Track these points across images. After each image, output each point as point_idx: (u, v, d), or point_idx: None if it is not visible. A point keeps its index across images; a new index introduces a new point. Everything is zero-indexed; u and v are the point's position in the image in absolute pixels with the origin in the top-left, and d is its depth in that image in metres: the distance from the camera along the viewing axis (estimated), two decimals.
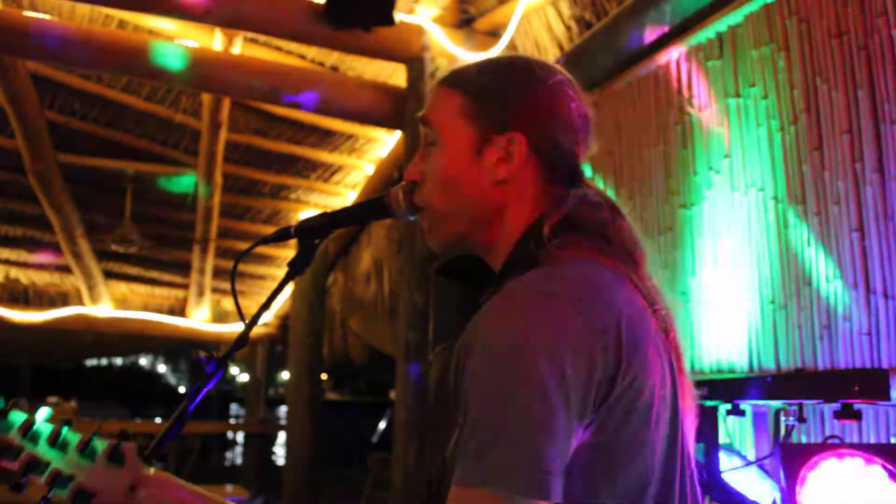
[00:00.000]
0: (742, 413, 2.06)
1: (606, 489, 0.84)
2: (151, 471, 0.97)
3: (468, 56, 4.16)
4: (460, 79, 1.03)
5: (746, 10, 2.84)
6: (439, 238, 1.03)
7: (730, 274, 2.81)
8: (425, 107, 1.05)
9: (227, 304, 8.53)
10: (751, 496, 2.04)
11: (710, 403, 2.10)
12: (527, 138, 0.97)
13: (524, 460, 0.77)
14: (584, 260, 0.92)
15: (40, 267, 7.79)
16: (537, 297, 0.85)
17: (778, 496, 1.92)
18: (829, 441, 1.82)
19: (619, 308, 0.86)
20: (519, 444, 0.77)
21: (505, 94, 0.99)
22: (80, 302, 7.71)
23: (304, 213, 7.14)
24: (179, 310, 8.38)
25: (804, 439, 2.31)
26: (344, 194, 7.18)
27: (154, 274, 8.30)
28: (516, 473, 0.77)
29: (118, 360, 24.17)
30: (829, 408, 2.17)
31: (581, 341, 0.82)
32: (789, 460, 1.74)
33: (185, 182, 6.55)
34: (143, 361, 25.60)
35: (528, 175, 0.98)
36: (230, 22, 4.12)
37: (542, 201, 0.98)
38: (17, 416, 1.01)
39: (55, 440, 0.97)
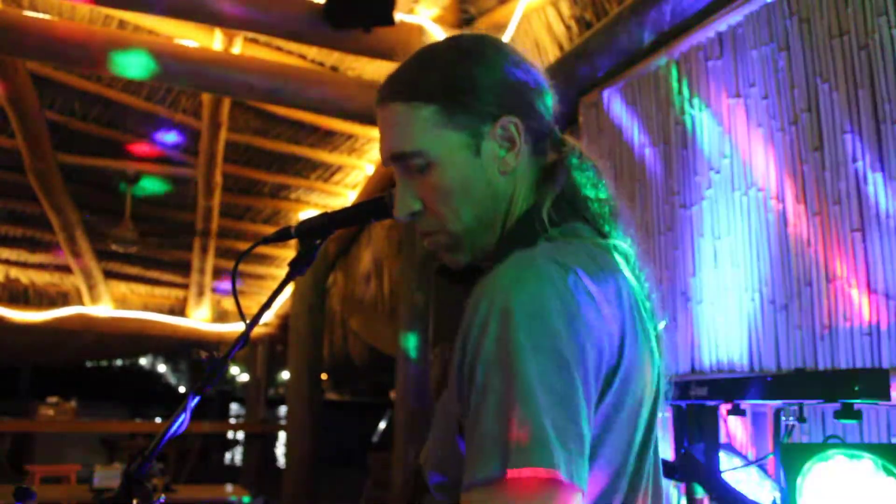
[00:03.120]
0: (742, 413, 2.06)
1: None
2: None
3: None
4: (413, 88, 0.92)
5: (746, 10, 2.84)
6: (470, 254, 0.95)
7: (730, 274, 2.81)
8: (387, 143, 0.94)
9: (228, 303, 8.53)
10: (751, 496, 2.05)
11: (710, 403, 2.10)
12: (519, 118, 0.92)
13: (546, 436, 0.69)
14: (587, 243, 0.89)
15: (40, 267, 7.79)
16: (552, 264, 0.78)
17: (778, 496, 1.92)
18: (829, 441, 1.82)
19: (622, 299, 0.82)
20: (544, 421, 0.70)
21: (474, 82, 0.91)
22: (80, 302, 7.71)
23: (304, 213, 7.14)
24: (179, 310, 8.39)
25: (804, 439, 2.31)
26: (344, 194, 7.19)
27: (154, 274, 8.31)
28: (542, 451, 0.68)
29: (118, 360, 24.16)
30: (829, 408, 2.17)
31: (593, 322, 0.77)
32: (789, 460, 1.74)
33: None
34: (143, 361, 25.58)
35: (525, 154, 0.94)
36: (230, 22, 4.11)
37: (539, 177, 0.95)
38: None
39: None
